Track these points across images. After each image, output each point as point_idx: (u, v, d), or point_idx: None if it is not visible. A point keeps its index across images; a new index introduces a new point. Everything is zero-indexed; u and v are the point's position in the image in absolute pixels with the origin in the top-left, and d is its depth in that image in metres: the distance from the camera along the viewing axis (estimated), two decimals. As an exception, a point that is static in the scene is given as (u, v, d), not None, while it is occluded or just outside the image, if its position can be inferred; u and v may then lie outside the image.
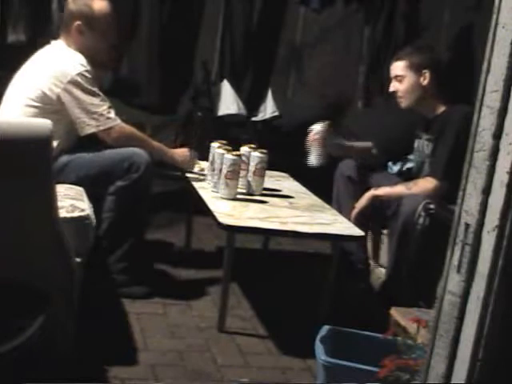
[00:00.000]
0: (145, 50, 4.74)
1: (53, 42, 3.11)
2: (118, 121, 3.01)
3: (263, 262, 3.79)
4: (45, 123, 2.11)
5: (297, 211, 3.01)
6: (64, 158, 2.95)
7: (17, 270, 2.13)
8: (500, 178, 1.40)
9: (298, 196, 3.28)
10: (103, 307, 2.84)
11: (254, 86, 5.08)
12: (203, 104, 4.99)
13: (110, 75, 4.69)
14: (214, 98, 4.97)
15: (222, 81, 5.01)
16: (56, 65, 2.97)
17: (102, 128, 2.97)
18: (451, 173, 2.87)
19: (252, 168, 3.12)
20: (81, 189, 2.78)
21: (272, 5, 5.01)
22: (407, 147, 3.38)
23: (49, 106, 2.92)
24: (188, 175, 3.34)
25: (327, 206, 3.16)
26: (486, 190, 1.43)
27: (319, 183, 3.27)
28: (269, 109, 5.11)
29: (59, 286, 2.22)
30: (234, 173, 2.99)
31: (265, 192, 3.18)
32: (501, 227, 1.40)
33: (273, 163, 3.30)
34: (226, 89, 4.97)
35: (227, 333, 2.79)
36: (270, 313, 3.05)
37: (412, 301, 2.58)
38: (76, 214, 2.44)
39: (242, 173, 3.10)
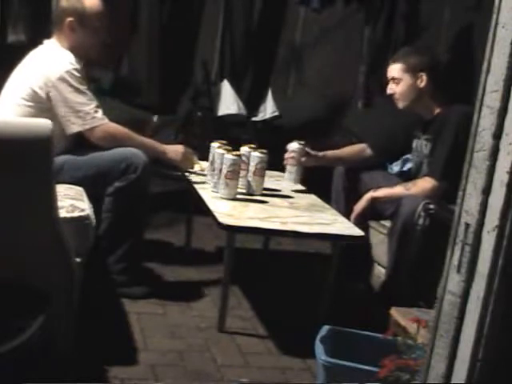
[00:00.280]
0: (145, 49, 4.74)
1: (45, 42, 3.11)
2: (106, 120, 2.98)
3: (263, 262, 3.78)
4: (45, 123, 2.11)
5: (297, 211, 3.00)
6: (60, 159, 2.91)
7: (17, 270, 2.13)
8: (500, 177, 1.40)
9: (298, 196, 3.27)
10: (103, 307, 2.84)
11: (254, 85, 5.08)
12: (203, 104, 4.99)
13: (110, 75, 4.69)
14: (214, 97, 4.97)
15: (222, 81, 5.02)
16: (46, 63, 2.97)
17: (87, 127, 2.95)
18: (450, 173, 2.87)
19: (252, 168, 3.12)
20: (81, 189, 2.78)
21: (272, 5, 5.01)
22: (406, 147, 3.38)
23: (40, 104, 2.91)
24: (188, 175, 3.33)
25: (327, 206, 3.16)
26: (486, 190, 1.43)
27: (319, 183, 3.27)
28: (269, 109, 5.11)
29: (59, 286, 2.22)
30: (233, 173, 2.99)
31: (265, 192, 3.18)
32: (501, 227, 1.40)
33: (273, 163, 3.30)
34: (226, 89, 4.97)
35: (227, 333, 2.78)
36: (270, 313, 3.05)
37: (412, 301, 2.57)
38: (76, 213, 2.44)
39: (242, 173, 3.09)
